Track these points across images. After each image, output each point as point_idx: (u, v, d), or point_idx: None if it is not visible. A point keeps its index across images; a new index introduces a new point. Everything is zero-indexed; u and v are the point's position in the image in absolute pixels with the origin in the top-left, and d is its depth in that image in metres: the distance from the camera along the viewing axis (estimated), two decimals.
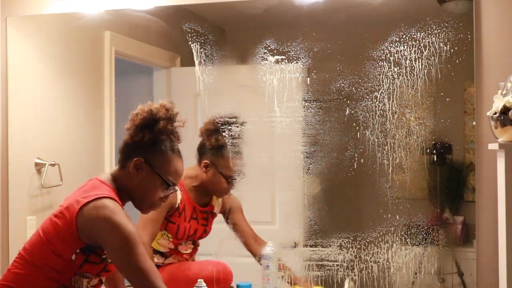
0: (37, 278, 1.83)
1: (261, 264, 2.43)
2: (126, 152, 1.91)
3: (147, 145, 1.88)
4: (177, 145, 1.94)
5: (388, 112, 2.42)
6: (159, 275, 1.80)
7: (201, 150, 2.49)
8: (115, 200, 1.82)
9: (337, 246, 2.47)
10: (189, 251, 2.48)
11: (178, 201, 2.39)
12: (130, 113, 1.93)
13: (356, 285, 2.44)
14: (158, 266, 2.39)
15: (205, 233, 2.50)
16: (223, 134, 2.49)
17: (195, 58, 2.63)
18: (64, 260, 1.81)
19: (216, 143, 2.47)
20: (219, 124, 2.51)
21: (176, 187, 1.94)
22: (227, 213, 2.56)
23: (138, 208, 1.94)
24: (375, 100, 2.43)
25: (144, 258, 1.77)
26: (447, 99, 2.38)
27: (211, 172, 2.46)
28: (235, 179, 2.48)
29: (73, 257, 1.81)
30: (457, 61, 2.35)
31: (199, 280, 2.13)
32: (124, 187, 1.89)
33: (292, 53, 2.52)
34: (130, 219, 1.82)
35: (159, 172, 1.88)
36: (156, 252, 2.44)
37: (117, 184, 1.90)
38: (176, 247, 2.44)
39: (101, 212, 1.76)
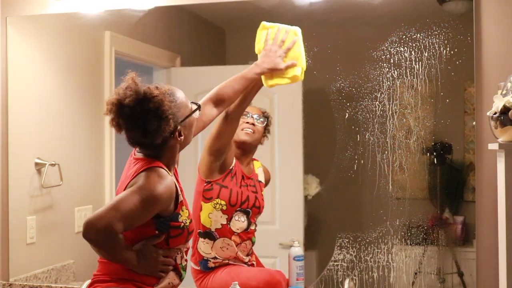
0: None
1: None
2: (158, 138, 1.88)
3: (168, 118, 1.86)
4: None
5: (388, 113, 2.42)
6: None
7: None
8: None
9: (337, 246, 2.47)
10: (243, 226, 2.39)
11: (233, 163, 2.39)
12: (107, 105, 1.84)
13: (356, 285, 2.44)
14: (210, 269, 2.37)
15: (257, 201, 2.42)
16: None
17: (195, 58, 2.63)
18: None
19: None
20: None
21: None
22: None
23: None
24: (375, 100, 2.43)
25: (127, 204, 1.77)
26: (447, 99, 2.38)
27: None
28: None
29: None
30: (457, 62, 2.35)
31: (233, 283, 2.07)
32: (175, 149, 1.94)
33: None
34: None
35: (188, 116, 1.92)
36: (205, 235, 2.37)
37: (164, 156, 1.92)
38: (228, 221, 2.36)
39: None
